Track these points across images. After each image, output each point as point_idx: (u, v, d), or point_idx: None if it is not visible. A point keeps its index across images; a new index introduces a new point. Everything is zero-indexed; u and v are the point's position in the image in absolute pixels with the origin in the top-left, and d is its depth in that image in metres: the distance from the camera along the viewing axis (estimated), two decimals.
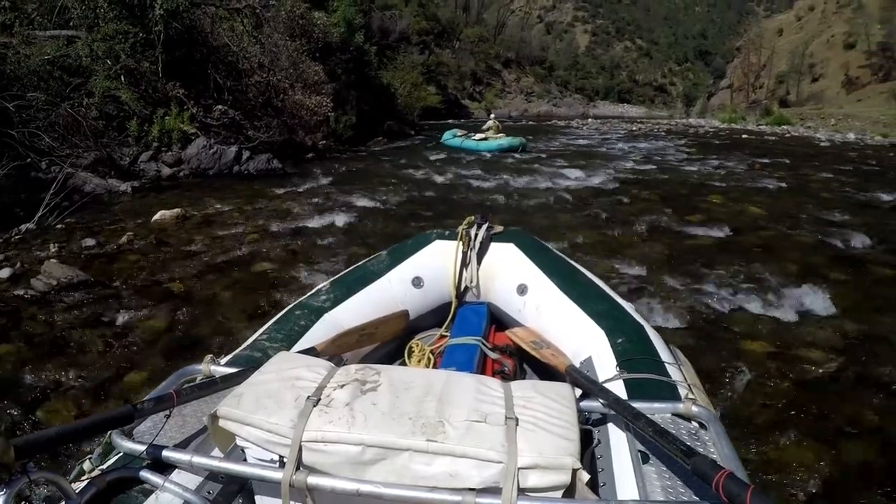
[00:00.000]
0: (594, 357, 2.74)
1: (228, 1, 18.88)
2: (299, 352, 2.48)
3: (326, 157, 20.09)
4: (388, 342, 3.39)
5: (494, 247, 3.78)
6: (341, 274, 3.68)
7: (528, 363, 3.38)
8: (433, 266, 3.74)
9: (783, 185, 15.29)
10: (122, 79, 14.90)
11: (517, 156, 21.50)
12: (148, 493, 1.74)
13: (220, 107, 17.09)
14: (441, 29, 63.09)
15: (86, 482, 1.71)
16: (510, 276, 3.62)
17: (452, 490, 1.56)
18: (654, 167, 19.13)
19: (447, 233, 3.89)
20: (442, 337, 3.54)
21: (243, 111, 17.97)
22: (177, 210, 10.02)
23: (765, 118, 51.62)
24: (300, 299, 3.34)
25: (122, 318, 5.80)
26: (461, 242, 3.74)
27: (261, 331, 2.95)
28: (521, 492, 1.54)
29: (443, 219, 10.08)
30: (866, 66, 58.02)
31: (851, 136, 35.85)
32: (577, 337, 2.96)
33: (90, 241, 8.26)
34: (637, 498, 1.73)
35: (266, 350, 2.67)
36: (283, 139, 18.43)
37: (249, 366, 2.27)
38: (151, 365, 4.85)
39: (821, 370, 5.07)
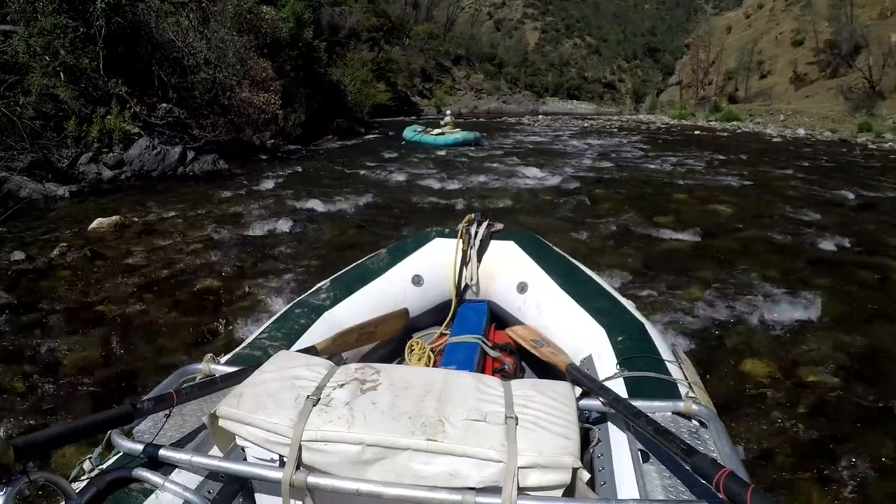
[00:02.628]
0: (594, 355, 2.74)
1: None
2: (299, 350, 2.46)
3: (275, 156, 19.48)
4: (388, 340, 3.38)
5: (494, 245, 3.77)
6: (341, 272, 3.63)
7: (528, 361, 3.36)
8: (433, 264, 3.73)
9: (746, 182, 15.25)
10: (62, 76, 14.14)
11: (472, 154, 21.30)
12: (148, 493, 1.72)
13: (164, 105, 16.46)
14: (391, 26, 62.46)
15: (86, 482, 1.71)
16: (510, 274, 3.61)
17: (452, 489, 1.57)
18: (612, 165, 18.92)
19: (447, 231, 3.88)
20: (442, 335, 3.55)
21: (189, 109, 17.35)
22: (115, 217, 9.35)
23: (714, 114, 52.12)
24: (300, 298, 3.32)
25: (46, 351, 5.10)
26: (461, 240, 3.72)
27: (260, 329, 2.94)
28: (521, 491, 1.55)
29: (402, 224, 9.71)
30: (814, 63, 58.71)
31: (801, 132, 36.71)
32: (578, 335, 2.96)
33: (19, 255, 7.53)
34: (637, 497, 1.72)
35: (266, 349, 2.66)
36: (229, 138, 17.85)
37: (249, 365, 2.23)
38: (80, 411, 4.19)
39: (825, 392, 4.75)
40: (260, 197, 12.14)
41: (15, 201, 10.47)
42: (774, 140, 31.25)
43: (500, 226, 3.86)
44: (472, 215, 3.83)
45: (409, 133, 26.56)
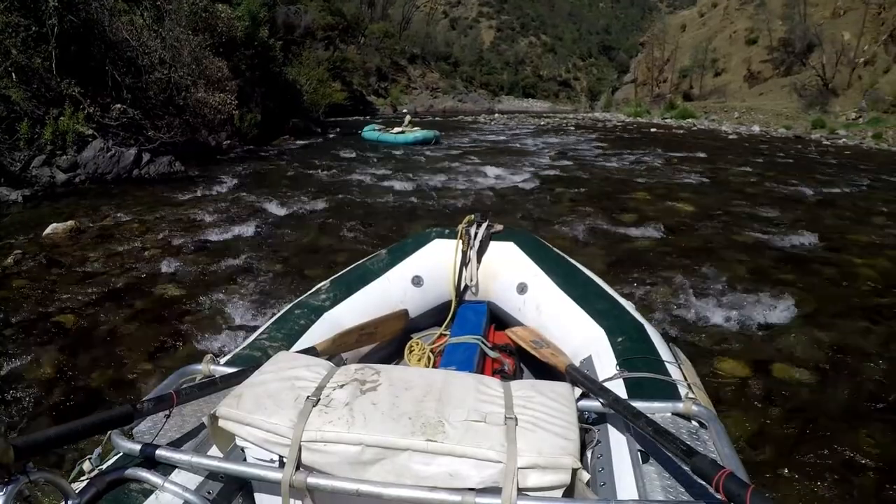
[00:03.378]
0: (594, 356, 2.75)
1: None
2: (299, 351, 2.45)
3: (231, 157, 19.28)
4: (388, 341, 3.40)
5: (494, 245, 3.78)
6: (341, 273, 3.64)
7: (528, 362, 3.36)
8: (433, 265, 3.74)
9: (705, 179, 15.45)
10: (13, 76, 13.77)
11: (430, 154, 21.29)
12: (148, 493, 1.73)
13: (118, 105, 16.07)
14: (346, 24, 61.83)
15: (86, 482, 1.72)
16: (510, 274, 3.62)
17: (452, 490, 1.57)
18: (571, 163, 18.98)
19: (447, 231, 3.88)
20: (442, 336, 3.59)
21: (143, 110, 16.96)
22: (70, 223, 9.10)
23: (669, 112, 52.55)
24: (300, 298, 3.33)
25: None
26: (461, 241, 3.73)
27: (260, 330, 2.94)
28: (521, 492, 1.55)
29: (365, 226, 9.59)
30: (768, 61, 59.37)
31: (756, 129, 37.23)
32: (577, 336, 2.99)
33: None
34: (637, 497, 1.73)
35: (266, 349, 2.66)
36: (185, 139, 17.50)
37: (249, 365, 2.25)
38: (35, 429, 3.96)
39: (803, 391, 4.81)
40: (218, 199, 11.95)
41: None
42: (730, 137, 31.62)
43: (499, 227, 3.87)
44: (472, 216, 3.84)
45: (367, 132, 27.12)
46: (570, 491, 1.61)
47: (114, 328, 5.69)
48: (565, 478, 1.59)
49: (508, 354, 3.26)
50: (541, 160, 19.71)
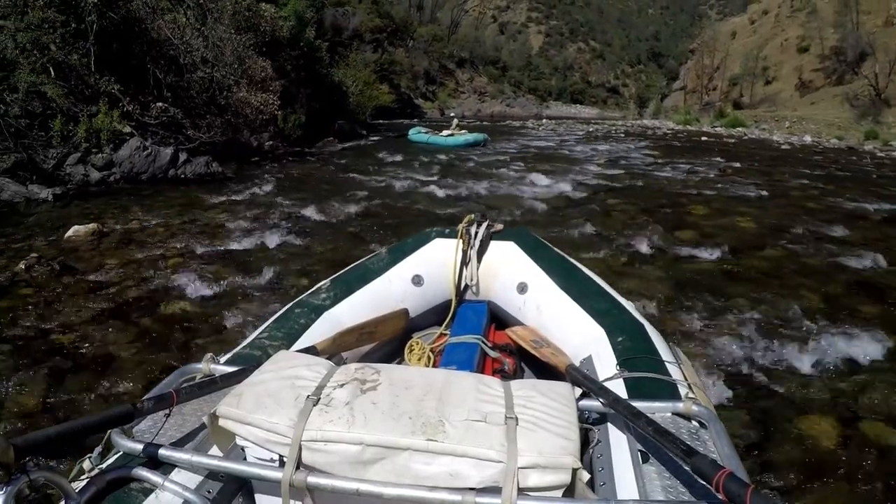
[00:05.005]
0: (594, 356, 2.73)
1: None
2: (299, 350, 2.46)
3: (272, 159, 18.81)
4: (388, 340, 3.36)
5: (494, 245, 3.75)
6: (341, 272, 3.59)
7: (528, 362, 3.34)
8: (433, 264, 3.70)
9: (763, 192, 14.57)
10: (52, 72, 13.50)
11: (477, 159, 20.76)
12: (148, 493, 1.71)
13: (159, 104, 15.87)
14: (395, 27, 62.15)
15: (86, 481, 1.68)
16: (510, 274, 3.60)
17: (452, 490, 1.55)
18: (622, 172, 18.19)
19: (447, 231, 3.85)
20: (442, 335, 3.54)
21: (184, 109, 16.78)
22: (92, 225, 8.64)
23: (719, 120, 51.74)
24: (300, 297, 3.29)
25: None
26: (461, 241, 3.70)
27: (260, 329, 2.90)
28: (521, 491, 1.54)
29: (405, 236, 8.84)
30: (819, 70, 58.44)
31: (808, 139, 36.30)
32: (578, 336, 2.95)
33: None
34: (637, 497, 1.71)
35: (266, 349, 2.64)
36: (225, 139, 17.26)
37: (249, 364, 2.22)
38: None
39: None
40: (251, 203, 11.44)
41: None
42: (783, 147, 30.69)
43: (500, 226, 3.84)
44: (472, 215, 3.80)
45: (414, 134, 27.31)
46: (570, 491, 1.60)
47: (113, 352, 5.09)
48: (565, 478, 1.58)
49: (509, 354, 3.22)
50: (591, 168, 19.02)
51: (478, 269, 3.70)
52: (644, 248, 8.91)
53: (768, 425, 4.29)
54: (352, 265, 3.71)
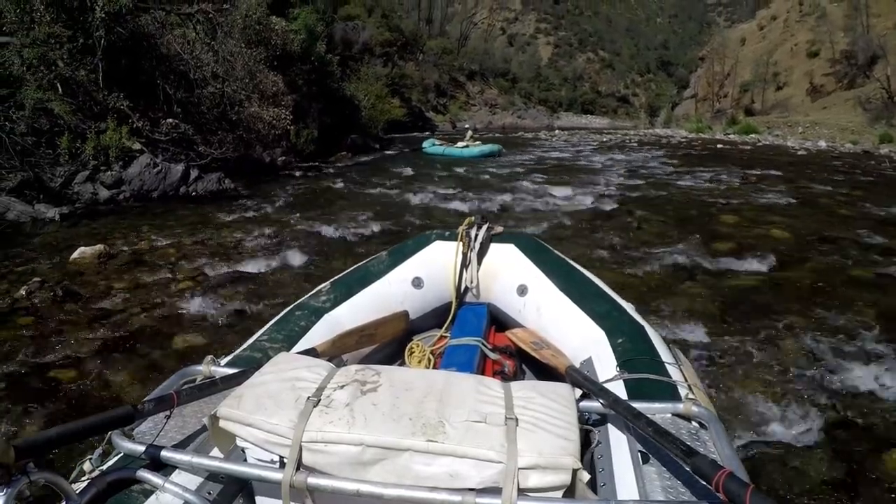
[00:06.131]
0: (594, 357, 2.72)
1: (179, 5, 17.63)
2: (299, 352, 2.37)
3: (286, 174, 18.50)
4: (389, 343, 3.35)
5: (494, 247, 3.75)
6: (341, 275, 3.61)
7: (528, 364, 3.32)
8: (433, 267, 3.70)
9: (790, 200, 14.12)
10: (59, 89, 13.17)
11: (494, 171, 20.46)
12: (148, 494, 1.71)
13: (170, 120, 15.58)
14: (404, 41, 62.11)
15: (86, 482, 1.70)
16: (510, 276, 3.60)
17: (452, 490, 1.55)
18: (644, 182, 17.76)
19: (447, 233, 3.85)
20: (442, 338, 3.54)
21: (195, 125, 16.47)
22: (99, 247, 8.19)
23: (731, 127, 51.32)
24: (300, 300, 3.28)
25: None
26: (461, 243, 3.71)
27: (261, 331, 2.89)
28: (521, 492, 1.54)
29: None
30: (831, 74, 58.41)
31: (823, 144, 35.98)
32: (578, 337, 2.94)
33: None
34: (637, 498, 1.71)
35: (266, 351, 2.63)
36: (237, 155, 16.89)
37: (249, 366, 2.22)
38: None
39: None
40: (266, 222, 11.00)
41: (0, 224, 9.59)
42: (799, 153, 30.23)
43: (499, 229, 3.86)
44: (472, 218, 3.81)
45: (428, 146, 27.47)
46: (570, 491, 1.58)
47: (117, 392, 4.61)
48: (566, 478, 1.56)
49: (509, 356, 3.20)
50: (611, 178, 18.60)
51: (478, 271, 3.71)
52: (682, 262, 8.43)
53: (853, 462, 3.82)
54: (352, 268, 3.73)
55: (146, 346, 5.42)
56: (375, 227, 10.52)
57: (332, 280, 3.51)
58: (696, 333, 5.79)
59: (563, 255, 3.69)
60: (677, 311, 6.32)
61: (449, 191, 15.27)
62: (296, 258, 8.34)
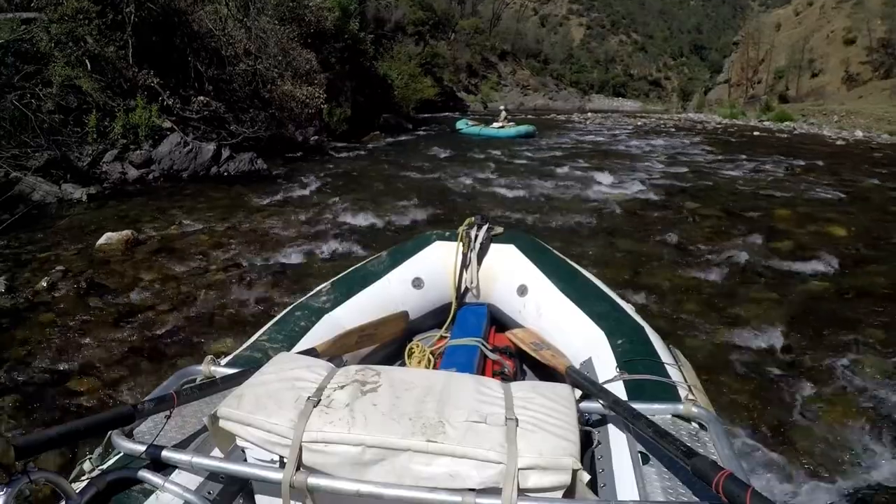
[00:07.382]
0: (594, 358, 2.72)
1: None
2: (299, 352, 2.36)
3: (319, 154, 18.09)
4: (389, 343, 3.31)
5: (494, 248, 3.75)
6: (341, 275, 3.59)
7: (528, 364, 3.31)
8: (433, 267, 3.69)
9: (840, 194, 13.33)
10: (88, 65, 12.87)
11: (531, 154, 19.95)
12: (148, 494, 1.72)
13: (201, 98, 15.37)
14: (437, 20, 62.01)
15: (86, 482, 1.70)
16: (510, 277, 3.59)
17: (452, 490, 1.55)
18: (687, 171, 17.04)
19: (447, 234, 3.86)
20: (442, 338, 3.52)
21: (227, 103, 16.27)
22: (127, 232, 7.77)
23: (765, 114, 50.11)
24: (300, 300, 3.26)
25: None
26: (461, 243, 3.70)
27: (261, 331, 2.88)
28: (521, 492, 1.54)
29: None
30: (867, 62, 57.40)
31: (859, 134, 34.79)
32: (577, 338, 2.94)
33: None
34: (637, 498, 1.72)
35: (266, 351, 2.62)
36: (270, 134, 16.59)
37: (250, 366, 2.22)
38: None
39: None
40: (302, 205, 10.56)
41: (25, 204, 9.26)
42: (837, 143, 29.17)
43: (500, 229, 3.86)
44: (472, 218, 3.80)
45: (463, 126, 27.54)
46: (570, 492, 1.58)
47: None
48: (566, 479, 1.56)
49: (509, 356, 3.18)
50: (653, 165, 17.96)
51: (478, 271, 3.70)
52: (744, 262, 7.82)
53: None
54: (352, 268, 3.70)
55: (175, 349, 4.97)
56: (419, 215, 10.05)
57: (331, 280, 3.51)
58: (768, 340, 5.40)
59: (562, 256, 3.71)
60: (750, 318, 5.82)
61: (489, 175, 14.79)
62: (336, 247, 7.92)
